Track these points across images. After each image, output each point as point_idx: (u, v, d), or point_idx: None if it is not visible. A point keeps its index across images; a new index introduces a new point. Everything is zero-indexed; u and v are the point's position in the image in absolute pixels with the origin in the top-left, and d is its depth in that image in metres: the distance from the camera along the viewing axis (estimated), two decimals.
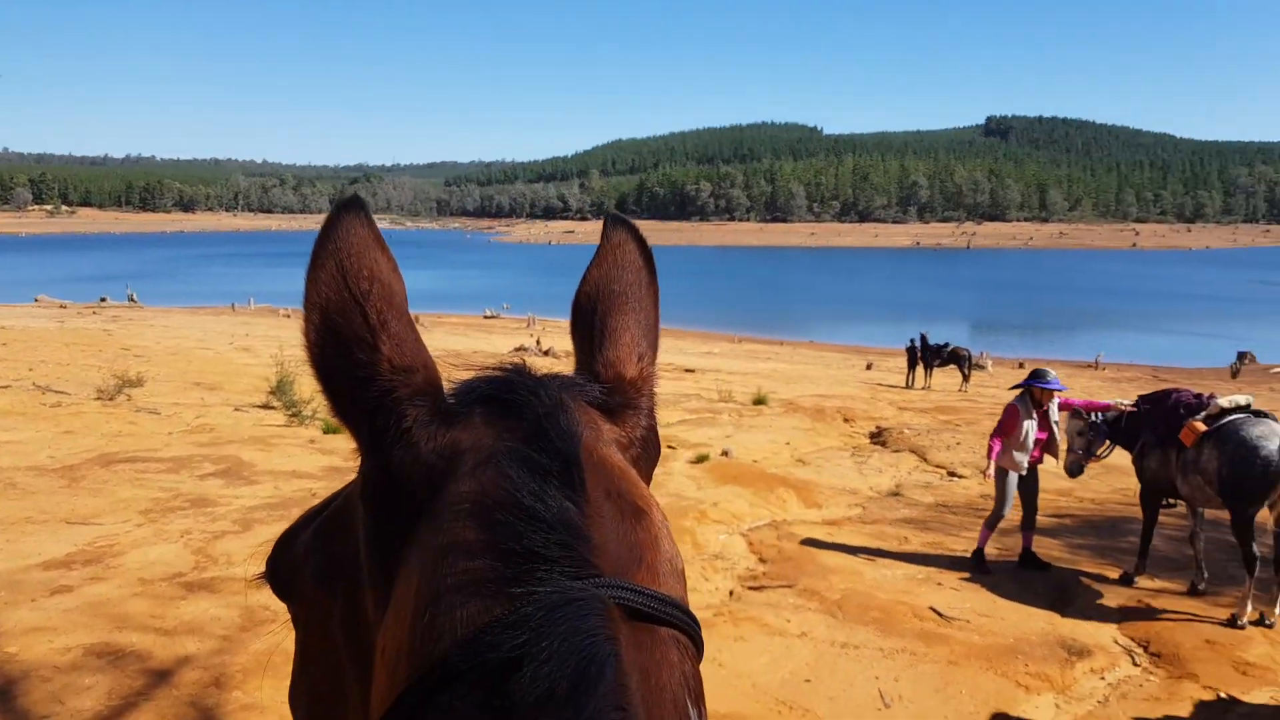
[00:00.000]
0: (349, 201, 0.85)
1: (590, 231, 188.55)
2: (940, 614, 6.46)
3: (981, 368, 29.43)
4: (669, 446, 12.04)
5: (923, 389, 24.24)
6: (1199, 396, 7.17)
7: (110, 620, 5.52)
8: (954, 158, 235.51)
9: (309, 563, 0.92)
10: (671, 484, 9.90)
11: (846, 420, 16.19)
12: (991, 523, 7.87)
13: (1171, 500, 7.40)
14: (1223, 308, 64.15)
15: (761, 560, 7.80)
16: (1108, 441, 7.83)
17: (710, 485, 9.95)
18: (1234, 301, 68.80)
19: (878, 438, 14.75)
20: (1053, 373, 7.98)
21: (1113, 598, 7.05)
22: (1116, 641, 6.26)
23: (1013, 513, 7.99)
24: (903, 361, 26.56)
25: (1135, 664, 5.92)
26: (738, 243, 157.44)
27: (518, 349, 27.09)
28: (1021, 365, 33.52)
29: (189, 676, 4.84)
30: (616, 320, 0.90)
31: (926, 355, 25.45)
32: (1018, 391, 7.99)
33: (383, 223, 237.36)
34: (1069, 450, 7.98)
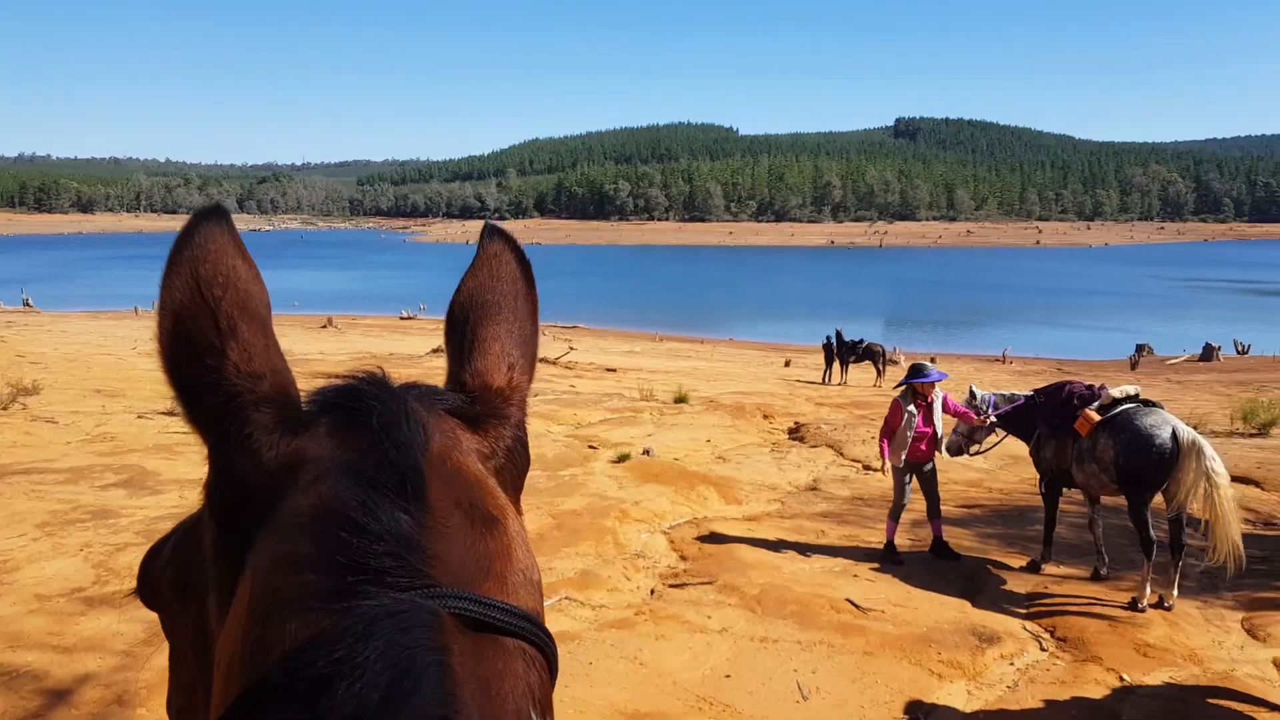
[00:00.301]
0: (210, 209, 0.85)
1: (509, 230, 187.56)
2: (856, 605, 6.59)
3: (895, 363, 30.09)
4: (590, 446, 12.03)
5: (839, 385, 24.71)
6: (1091, 387, 7.51)
7: (4, 639, 5.26)
8: (865, 158, 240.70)
9: (168, 572, 0.92)
10: (593, 484, 9.89)
11: (766, 417, 16.39)
12: (894, 515, 8.08)
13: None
14: (1121, 302, 66.93)
15: (683, 558, 7.85)
16: (997, 432, 8.16)
17: (632, 484, 9.96)
18: (1132, 296, 71.81)
19: (796, 434, 14.97)
20: (931, 366, 8.29)
21: (1020, 585, 7.29)
22: (1025, 628, 6.47)
23: (921, 504, 8.23)
24: (820, 358, 27.01)
25: (1043, 649, 6.12)
26: (657, 242, 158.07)
27: (435, 350, 26.73)
28: (933, 360, 34.44)
29: (89, 695, 4.64)
30: (487, 330, 0.90)
31: (842, 352, 25.97)
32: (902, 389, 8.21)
33: (293, 223, 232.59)
34: (953, 431, 8.32)
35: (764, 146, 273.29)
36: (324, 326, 39.15)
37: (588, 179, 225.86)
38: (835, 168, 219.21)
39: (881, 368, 25.66)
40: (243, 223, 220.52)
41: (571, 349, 31.07)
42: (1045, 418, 7.62)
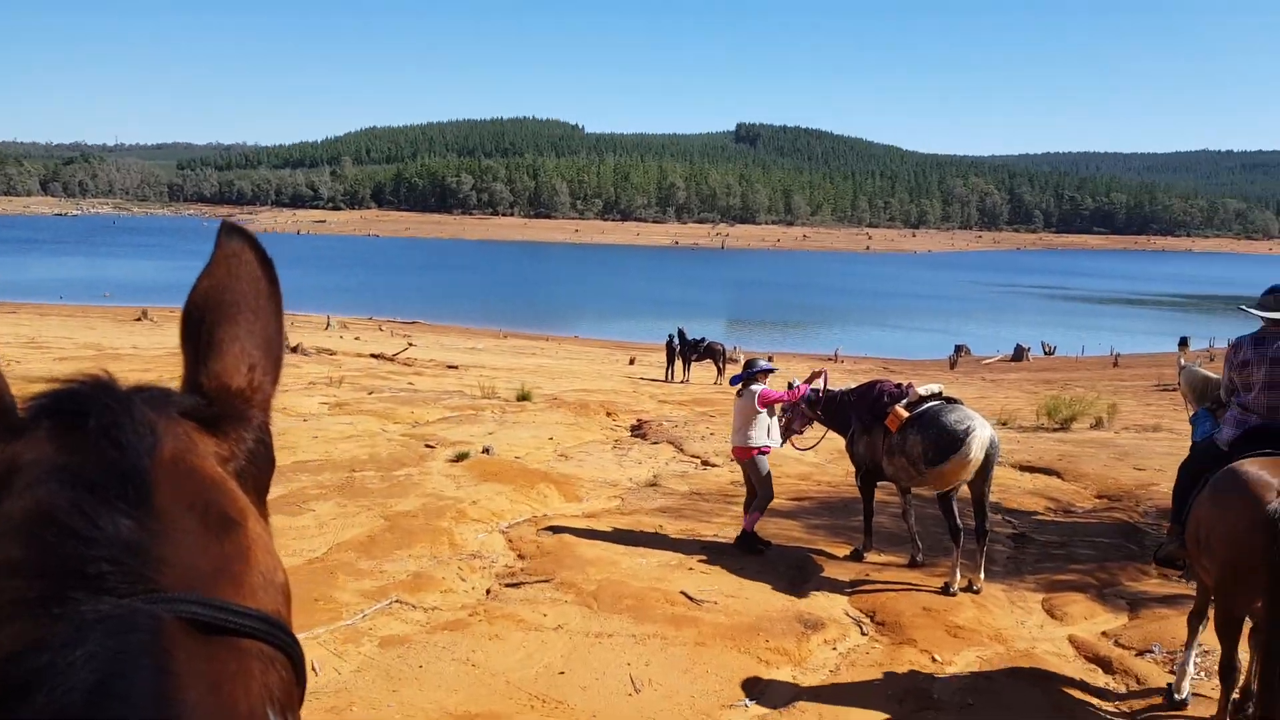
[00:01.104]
0: None
1: (344, 222, 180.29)
2: (690, 598, 6.71)
3: (735, 361, 30.92)
4: (427, 445, 11.77)
5: (681, 383, 25.19)
6: (899, 385, 8.02)
7: None
8: (708, 162, 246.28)
9: None
10: (429, 483, 9.67)
11: (609, 414, 16.50)
12: (760, 506, 8.28)
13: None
14: (943, 305, 71.18)
15: (521, 556, 7.78)
16: (817, 427, 8.64)
17: (470, 483, 9.80)
18: (952, 300, 76.52)
19: (638, 430, 15.14)
20: (761, 360, 8.76)
21: (844, 573, 7.61)
22: (847, 613, 6.76)
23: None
24: (664, 356, 27.46)
25: (863, 633, 6.41)
26: (502, 237, 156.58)
27: None
28: (770, 359, 35.59)
29: None
30: (225, 331, 0.87)
31: (685, 350, 26.48)
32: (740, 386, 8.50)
33: (105, 208, 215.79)
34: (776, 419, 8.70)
35: (610, 145, 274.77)
36: (138, 319, 36.75)
37: (429, 170, 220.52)
38: (679, 170, 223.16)
39: (722, 366, 26.31)
40: (46, 206, 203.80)
41: (411, 345, 30.36)
42: (858, 414, 8.08)
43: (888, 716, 5.06)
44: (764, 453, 8.32)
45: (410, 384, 19.11)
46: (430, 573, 7.10)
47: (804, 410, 8.65)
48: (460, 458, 10.89)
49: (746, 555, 7.94)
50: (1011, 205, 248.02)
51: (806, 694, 5.35)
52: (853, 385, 8.78)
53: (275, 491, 9.11)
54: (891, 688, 5.43)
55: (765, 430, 8.30)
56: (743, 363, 8.81)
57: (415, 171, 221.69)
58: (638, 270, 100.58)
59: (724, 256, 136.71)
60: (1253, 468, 4.53)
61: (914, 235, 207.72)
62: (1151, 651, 6.15)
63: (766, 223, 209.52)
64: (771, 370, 8.62)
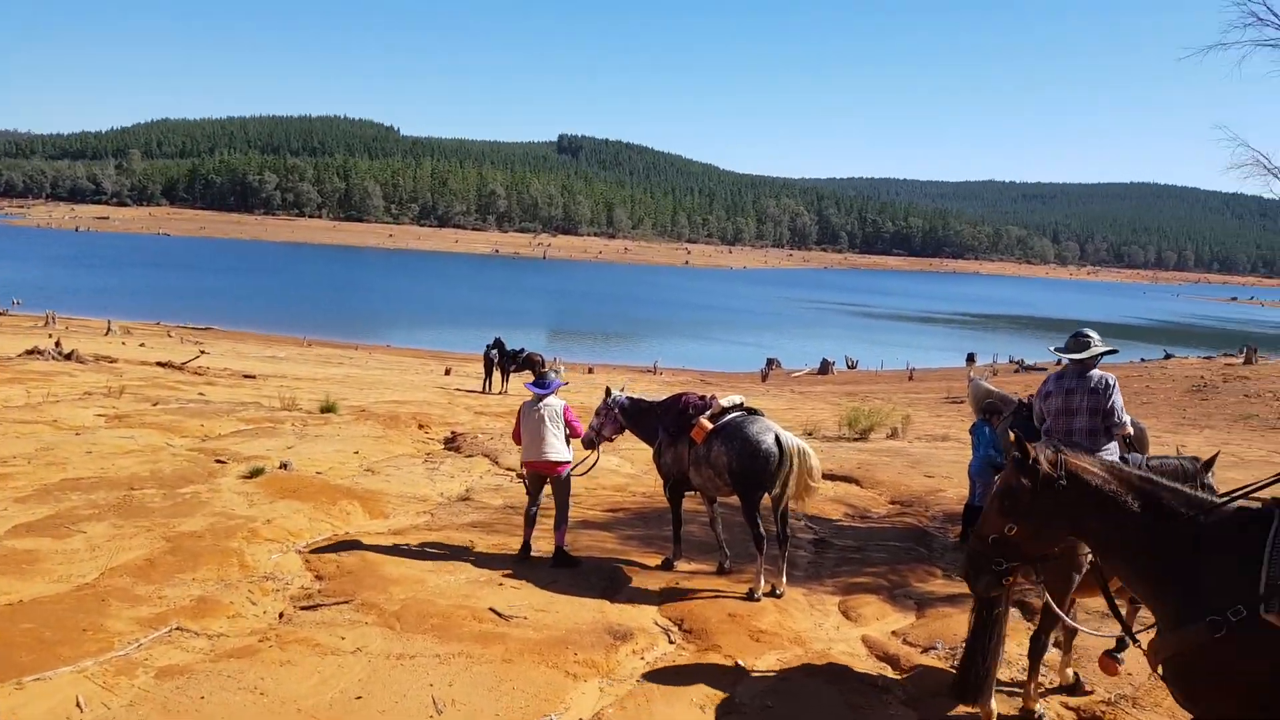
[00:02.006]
0: None
1: (130, 219, 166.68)
2: (499, 614, 6.56)
3: (556, 373, 30.85)
4: (218, 460, 11.02)
5: (500, 394, 24.85)
6: (703, 398, 8.25)
7: None
8: (530, 171, 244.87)
9: None
10: (219, 502, 9.04)
11: (421, 426, 16.04)
12: (565, 520, 8.25)
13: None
14: (756, 320, 73.86)
15: (319, 577, 7.39)
16: (623, 429, 8.81)
17: (265, 501, 9.24)
18: (765, 315, 79.55)
19: (452, 443, 14.79)
20: (551, 374, 8.79)
21: (655, 582, 7.67)
22: (656, 622, 6.81)
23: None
24: (481, 367, 27.00)
25: (671, 641, 6.47)
26: (309, 240, 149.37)
27: (30, 352, 23.17)
28: (591, 370, 35.78)
29: None
30: None
31: (503, 361, 26.14)
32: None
33: None
34: (589, 426, 8.82)
35: (426, 149, 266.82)
36: None
37: (228, 167, 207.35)
38: (500, 177, 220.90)
39: None
40: None
41: (203, 353, 28.54)
42: (664, 426, 8.24)
43: None
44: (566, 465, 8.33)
45: (201, 395, 17.89)
46: (217, 597, 6.62)
47: (617, 417, 8.71)
48: (254, 474, 10.25)
49: (558, 568, 7.87)
50: (820, 226, 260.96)
51: (612, 705, 5.33)
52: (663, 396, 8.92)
53: (39, 512, 8.27)
54: (696, 694, 5.49)
55: (567, 444, 8.33)
56: (539, 374, 8.85)
57: (213, 168, 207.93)
58: (456, 278, 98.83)
59: (546, 266, 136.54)
60: None
61: (731, 251, 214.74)
62: (935, 648, 6.52)
63: (589, 234, 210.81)
64: (561, 386, 8.65)
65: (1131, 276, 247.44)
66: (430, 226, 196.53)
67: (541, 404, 8.26)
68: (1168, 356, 51.57)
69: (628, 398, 8.77)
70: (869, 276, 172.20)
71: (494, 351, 26.03)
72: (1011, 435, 4.15)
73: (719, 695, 5.50)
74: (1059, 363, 6.06)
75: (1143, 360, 50.27)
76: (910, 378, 41.44)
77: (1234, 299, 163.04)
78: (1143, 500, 3.82)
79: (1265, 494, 3.77)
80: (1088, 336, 6.05)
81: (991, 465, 9.83)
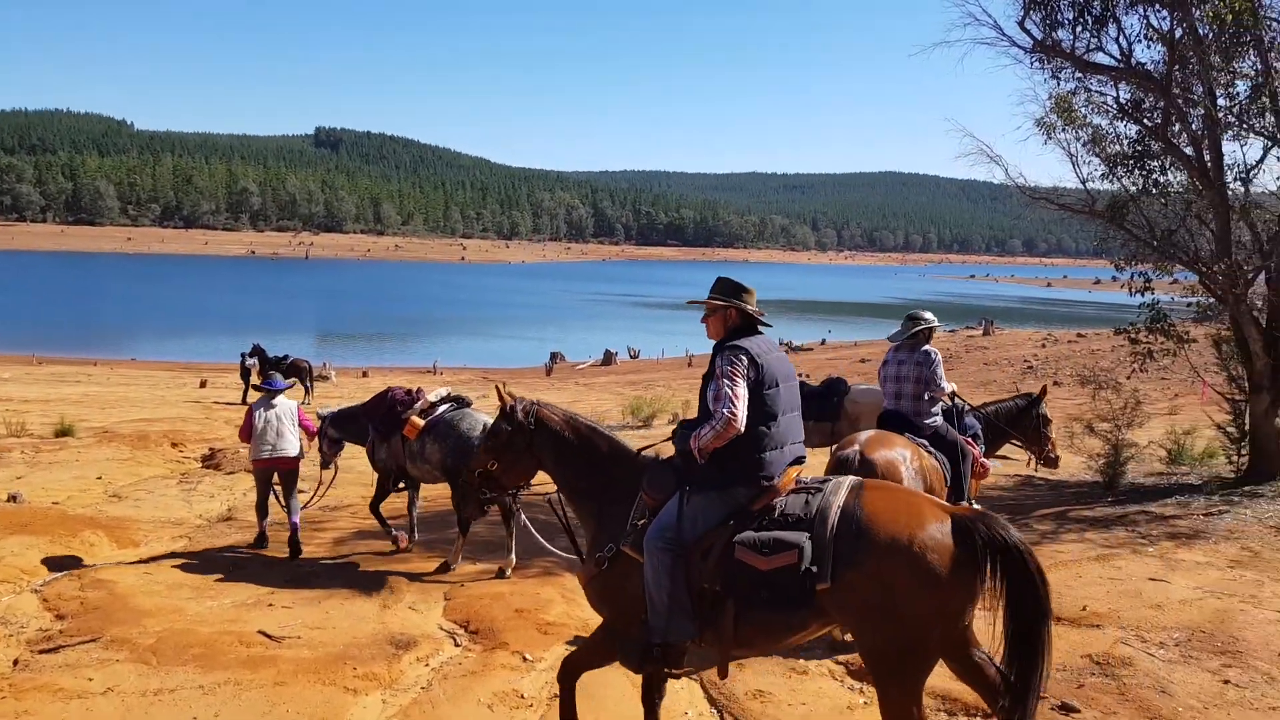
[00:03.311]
0: None
1: None
2: (269, 636, 6.23)
3: (325, 379, 29.52)
4: None
5: None
6: (409, 392, 8.65)
7: None
8: (285, 166, 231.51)
9: None
10: None
11: (175, 445, 14.91)
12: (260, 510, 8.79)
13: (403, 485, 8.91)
14: (538, 314, 73.79)
15: (59, 616, 6.72)
16: (343, 444, 9.28)
17: None
18: (547, 309, 79.57)
19: (211, 460, 13.88)
20: (277, 376, 9.69)
21: (437, 588, 7.54)
22: (441, 627, 6.70)
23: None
24: (239, 377, 25.30)
25: (457, 644, 6.38)
26: (32, 247, 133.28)
27: None
28: (365, 374, 34.49)
29: None
30: None
31: (265, 369, 24.64)
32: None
33: None
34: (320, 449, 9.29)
35: (166, 144, 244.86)
36: None
37: None
38: (252, 173, 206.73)
39: (309, 384, 24.85)
40: None
41: None
42: (373, 424, 8.45)
43: None
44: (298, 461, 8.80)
45: None
46: None
47: (327, 432, 9.15)
48: None
49: (334, 582, 7.57)
50: (596, 219, 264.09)
51: (396, 715, 5.20)
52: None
53: None
54: (484, 693, 5.45)
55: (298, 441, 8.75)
56: (267, 376, 9.71)
57: None
58: (208, 283, 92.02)
59: (310, 267, 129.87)
60: (857, 435, 6.32)
61: (508, 246, 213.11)
62: None
63: (355, 232, 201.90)
64: (289, 386, 9.37)
65: (884, 259, 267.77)
66: (175, 228, 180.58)
67: (273, 402, 8.65)
68: None
69: (330, 412, 9.30)
70: (646, 267, 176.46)
71: (253, 360, 24.49)
72: (502, 389, 4.88)
73: (507, 691, 5.49)
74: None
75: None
76: (690, 364, 42.86)
77: (972, 276, 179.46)
78: (587, 448, 4.52)
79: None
80: (919, 317, 6.90)
81: None
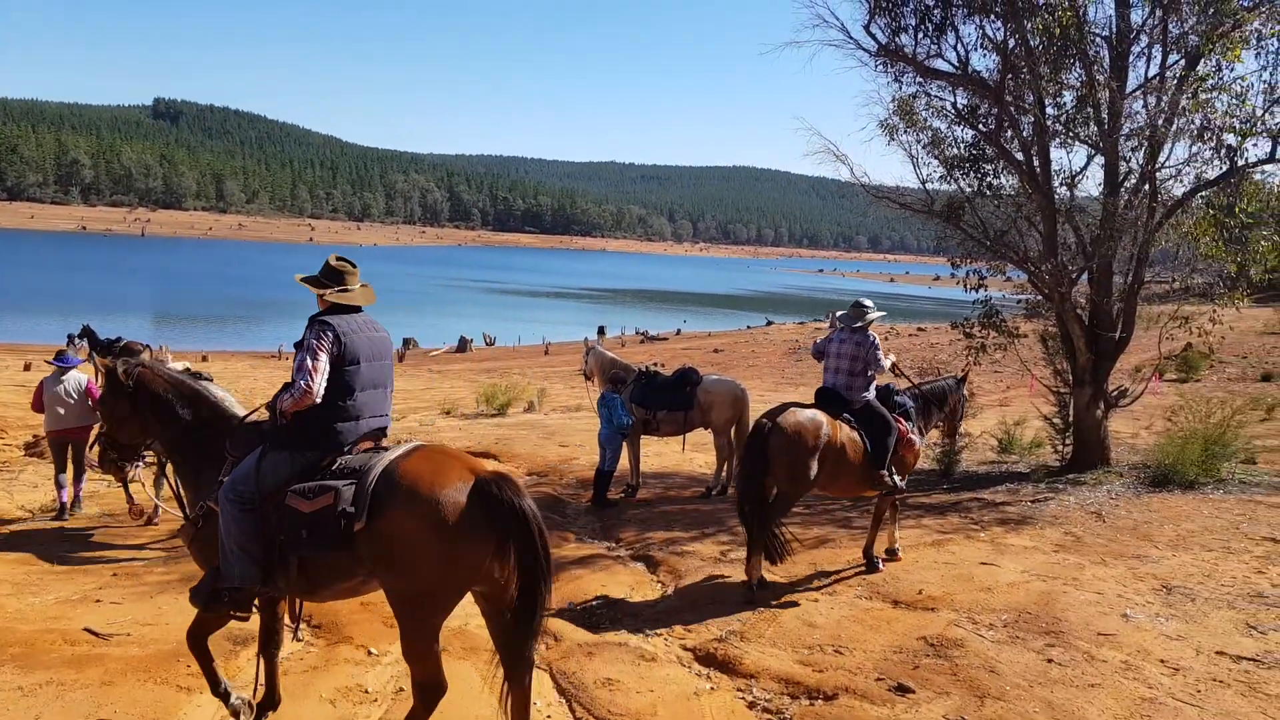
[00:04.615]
0: None
1: None
2: (96, 634, 5.88)
3: (163, 361, 27.91)
4: None
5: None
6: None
7: None
8: (120, 138, 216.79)
9: None
10: None
11: None
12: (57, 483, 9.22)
13: None
14: (392, 299, 71.74)
15: None
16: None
17: None
18: (399, 294, 77.51)
19: (35, 448, 12.98)
20: (70, 352, 10.21)
21: None
22: (286, 623, 6.45)
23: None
24: None
25: (298, 638, 6.14)
26: None
27: None
28: (205, 358, 32.81)
29: None
30: None
31: (94, 352, 23.11)
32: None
33: None
34: None
35: None
36: None
37: None
38: (85, 144, 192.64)
39: None
40: None
41: None
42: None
43: (322, 718, 4.94)
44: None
45: None
46: None
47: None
48: None
49: (168, 575, 7.20)
50: (452, 203, 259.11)
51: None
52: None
53: None
54: (326, 688, 5.31)
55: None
56: (60, 352, 10.12)
57: None
58: (33, 259, 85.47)
59: (145, 245, 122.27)
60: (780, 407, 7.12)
61: (360, 228, 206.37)
62: (567, 609, 6.85)
63: (195, 209, 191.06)
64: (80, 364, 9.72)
65: (737, 252, 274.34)
66: None
67: (64, 377, 9.23)
68: (769, 323, 58.03)
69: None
70: (503, 254, 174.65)
71: (82, 341, 22.93)
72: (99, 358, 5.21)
73: (350, 685, 5.36)
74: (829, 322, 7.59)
75: (749, 328, 56.11)
76: (546, 352, 42.81)
77: (821, 271, 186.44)
78: (190, 411, 4.76)
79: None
80: (865, 306, 7.56)
81: (620, 431, 10.49)
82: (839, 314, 7.80)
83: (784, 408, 7.11)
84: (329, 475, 4.20)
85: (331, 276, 4.61)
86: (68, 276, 69.68)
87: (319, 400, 4.21)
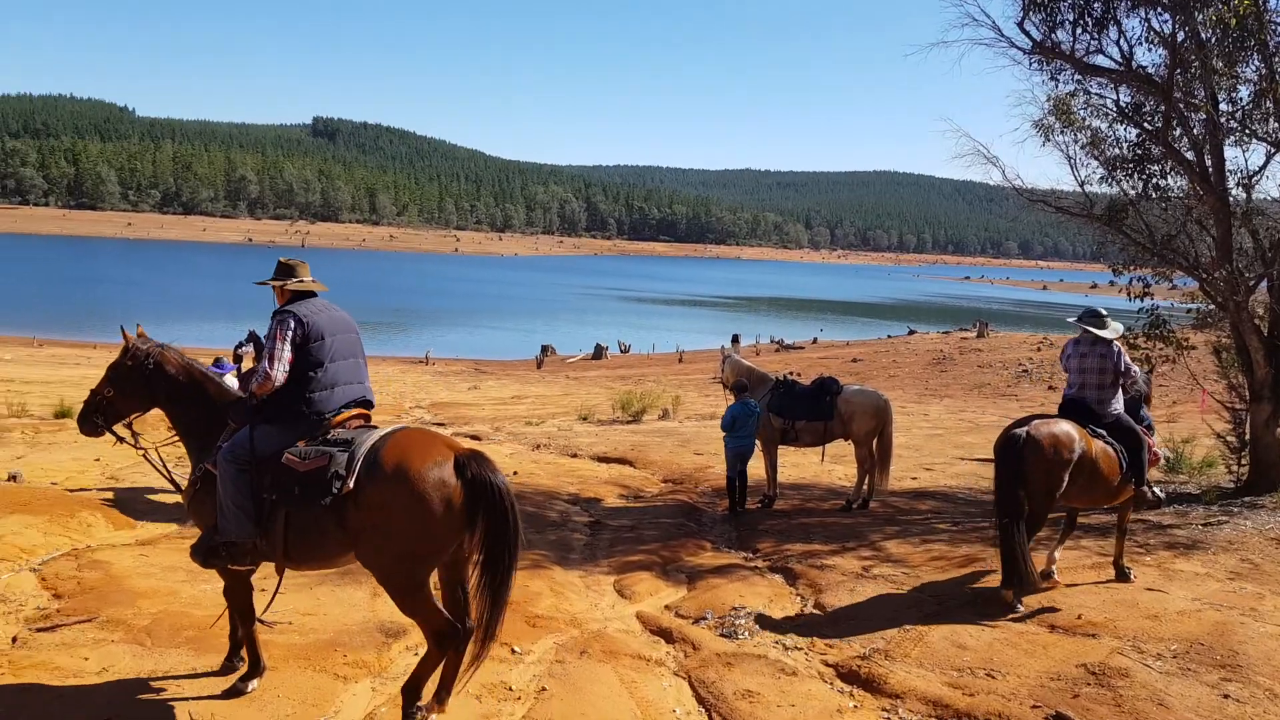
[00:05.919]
0: None
1: None
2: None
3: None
4: None
5: None
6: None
7: None
8: (283, 155, 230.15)
9: None
10: None
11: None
12: None
13: None
14: (530, 306, 73.76)
15: (57, 596, 6.71)
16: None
17: None
18: (539, 301, 79.55)
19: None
20: (226, 360, 10.35)
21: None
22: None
23: None
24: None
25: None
26: (34, 231, 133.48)
27: None
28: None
29: None
30: None
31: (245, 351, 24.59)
32: None
33: None
34: None
35: (166, 131, 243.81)
36: None
37: None
38: (251, 161, 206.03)
39: None
40: None
41: None
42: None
43: (467, 713, 5.08)
44: None
45: None
46: None
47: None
48: None
49: (326, 573, 7.52)
50: (589, 213, 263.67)
51: (385, 703, 5.20)
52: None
53: None
54: (472, 685, 5.44)
55: None
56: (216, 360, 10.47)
57: None
58: (206, 269, 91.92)
59: (306, 255, 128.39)
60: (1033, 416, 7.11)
61: (501, 238, 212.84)
62: (705, 618, 6.83)
63: (350, 221, 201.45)
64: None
65: (877, 259, 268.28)
66: (175, 214, 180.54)
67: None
68: (911, 332, 56.45)
69: None
70: (638, 262, 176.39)
71: (247, 347, 24.46)
72: (126, 331, 5.50)
73: (495, 683, 5.49)
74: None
75: (890, 337, 54.75)
76: (680, 360, 42.94)
77: (967, 278, 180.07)
78: (197, 392, 5.24)
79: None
80: (1103, 316, 7.31)
81: (734, 441, 10.41)
82: (1078, 318, 7.45)
83: (1031, 418, 7.02)
84: (323, 443, 4.73)
85: (285, 272, 5.28)
86: (236, 285, 74.42)
87: (279, 383, 4.76)
